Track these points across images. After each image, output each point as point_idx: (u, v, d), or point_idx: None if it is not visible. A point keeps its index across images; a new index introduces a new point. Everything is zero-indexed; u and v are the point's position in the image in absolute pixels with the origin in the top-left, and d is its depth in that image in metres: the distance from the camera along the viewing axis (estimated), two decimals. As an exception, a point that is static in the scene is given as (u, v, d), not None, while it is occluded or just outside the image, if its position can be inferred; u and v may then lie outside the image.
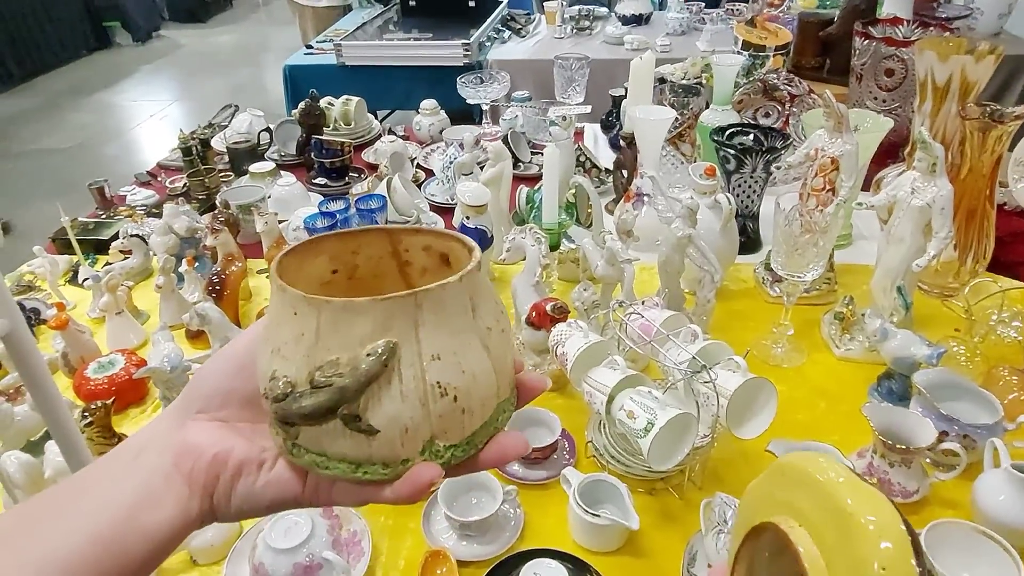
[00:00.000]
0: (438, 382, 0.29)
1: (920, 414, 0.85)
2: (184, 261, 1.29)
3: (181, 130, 1.87)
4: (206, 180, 1.63)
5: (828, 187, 1.11)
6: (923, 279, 1.20)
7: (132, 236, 1.37)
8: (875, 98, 1.52)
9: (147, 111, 4.93)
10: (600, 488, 0.85)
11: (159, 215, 1.43)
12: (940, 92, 1.23)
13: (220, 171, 1.72)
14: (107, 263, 1.41)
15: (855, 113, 1.26)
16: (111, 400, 0.99)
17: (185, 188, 1.65)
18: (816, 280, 1.17)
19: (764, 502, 0.32)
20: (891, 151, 1.54)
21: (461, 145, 1.62)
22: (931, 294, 1.21)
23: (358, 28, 2.77)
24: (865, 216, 1.44)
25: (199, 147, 1.69)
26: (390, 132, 1.93)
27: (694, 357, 0.82)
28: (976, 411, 0.88)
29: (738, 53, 1.69)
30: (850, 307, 1.10)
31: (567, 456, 0.95)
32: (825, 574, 0.26)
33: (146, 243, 1.38)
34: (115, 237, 1.45)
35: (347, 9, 3.41)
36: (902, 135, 1.52)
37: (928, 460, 0.86)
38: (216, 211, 1.31)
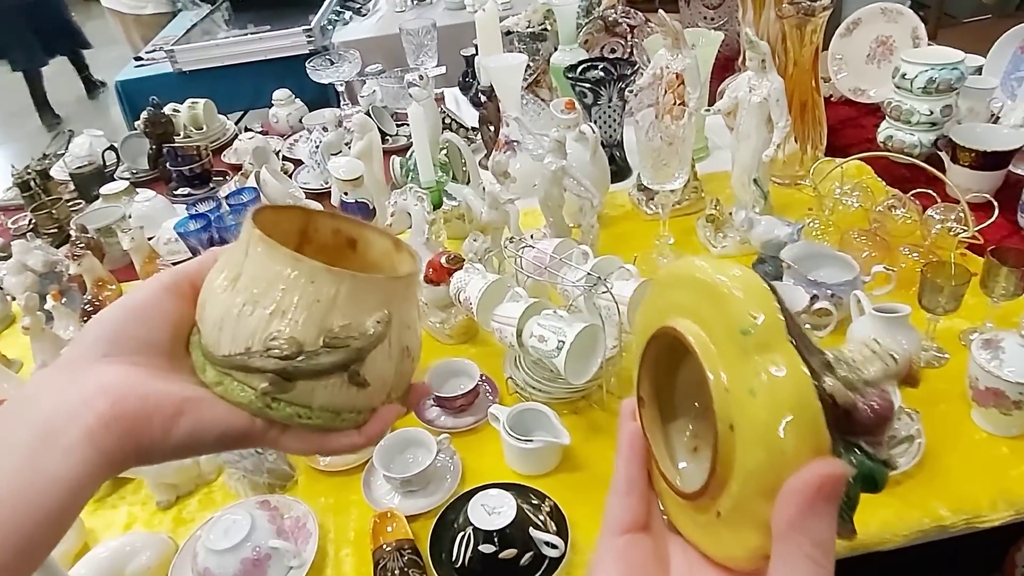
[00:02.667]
0: (407, 346, 0.36)
1: (792, 284, 0.95)
2: (49, 297, 1.19)
3: (13, 166, 1.71)
4: (53, 212, 1.51)
5: (678, 101, 1.19)
6: (774, 173, 1.31)
7: (-18, 283, 1.26)
8: (704, 18, 1.63)
9: (-35, 162, 4.43)
10: (528, 417, 0.88)
11: (8, 257, 1.31)
12: (758, 0, 1.34)
13: (67, 200, 1.59)
14: (-42, 319, 1.28)
15: (689, 33, 1.34)
16: None
17: (32, 224, 1.52)
18: (684, 190, 1.26)
19: (652, 319, 0.34)
20: (727, 66, 1.65)
21: (324, 128, 1.59)
22: (784, 185, 1.33)
23: (188, 31, 2.61)
24: (717, 129, 1.54)
25: (37, 179, 1.56)
26: (247, 130, 1.85)
27: (589, 273, 0.86)
28: (839, 273, 0.99)
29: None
30: (718, 208, 1.19)
31: (490, 398, 0.98)
32: (709, 347, 0.29)
33: (0, 287, 1.27)
34: (-39, 290, 1.32)
35: (175, 14, 3.20)
36: (734, 49, 1.64)
37: (807, 325, 0.95)
38: (74, 237, 1.22)
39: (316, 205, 1.46)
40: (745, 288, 0.29)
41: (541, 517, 0.77)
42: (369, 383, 0.34)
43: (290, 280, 0.33)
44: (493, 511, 0.75)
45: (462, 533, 0.75)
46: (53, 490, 0.29)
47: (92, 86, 5.09)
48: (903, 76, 1.28)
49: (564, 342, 0.80)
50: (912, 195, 1.12)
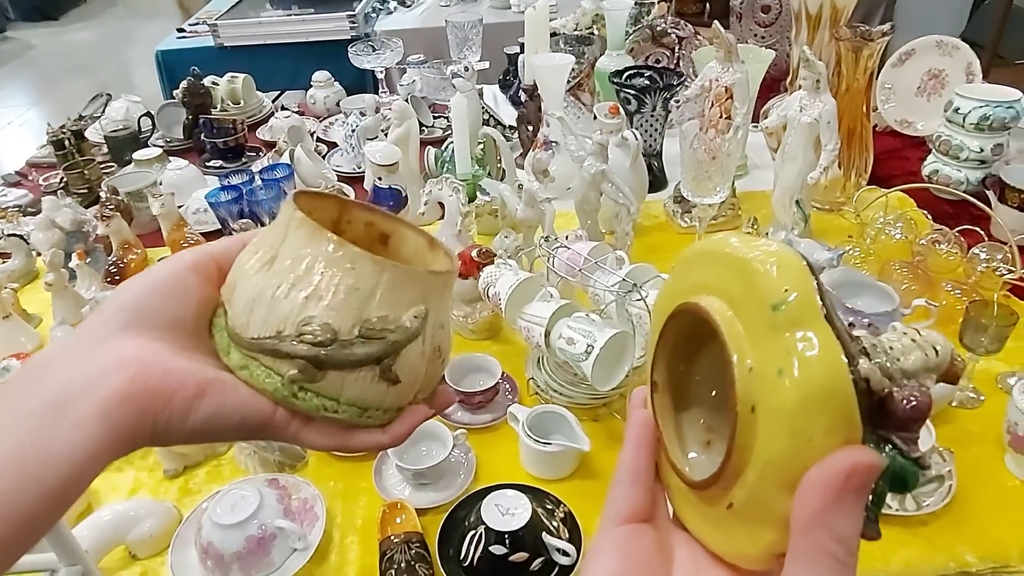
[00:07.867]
0: (439, 346, 0.35)
1: (829, 310, 0.92)
2: (74, 256, 1.19)
3: (49, 124, 1.71)
4: (85, 172, 1.51)
5: (724, 115, 1.16)
6: (814, 197, 1.29)
7: (9, 236, 1.26)
8: (755, 35, 1.60)
9: (2, 119, 4.49)
10: (547, 420, 0.87)
11: (36, 213, 1.32)
12: (813, 21, 1.32)
13: (100, 162, 1.60)
14: (-17, 269, 1.28)
15: (740, 49, 1.32)
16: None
17: (63, 183, 1.53)
18: (722, 206, 1.24)
19: (673, 298, 0.32)
20: (773, 86, 1.63)
21: (362, 112, 1.58)
22: (823, 210, 1.30)
23: (233, 7, 2.62)
24: (757, 148, 1.52)
25: (72, 139, 1.56)
26: (283, 109, 1.85)
27: (624, 279, 0.84)
28: (878, 303, 0.96)
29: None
30: (755, 227, 1.16)
31: (510, 397, 0.96)
32: (735, 324, 0.27)
33: (27, 242, 1.27)
34: (-11, 241, 1.32)
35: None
36: (781, 69, 1.61)
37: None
38: (104, 198, 1.21)
39: (349, 191, 1.46)
40: (779, 263, 0.27)
41: (555, 523, 0.75)
42: (400, 380, 0.33)
43: (331, 264, 0.32)
44: (507, 512, 0.73)
45: (473, 532, 0.73)
46: (58, 466, 0.27)
47: None
48: (956, 111, 1.25)
49: (593, 347, 0.78)
50: (956, 232, 1.09)
